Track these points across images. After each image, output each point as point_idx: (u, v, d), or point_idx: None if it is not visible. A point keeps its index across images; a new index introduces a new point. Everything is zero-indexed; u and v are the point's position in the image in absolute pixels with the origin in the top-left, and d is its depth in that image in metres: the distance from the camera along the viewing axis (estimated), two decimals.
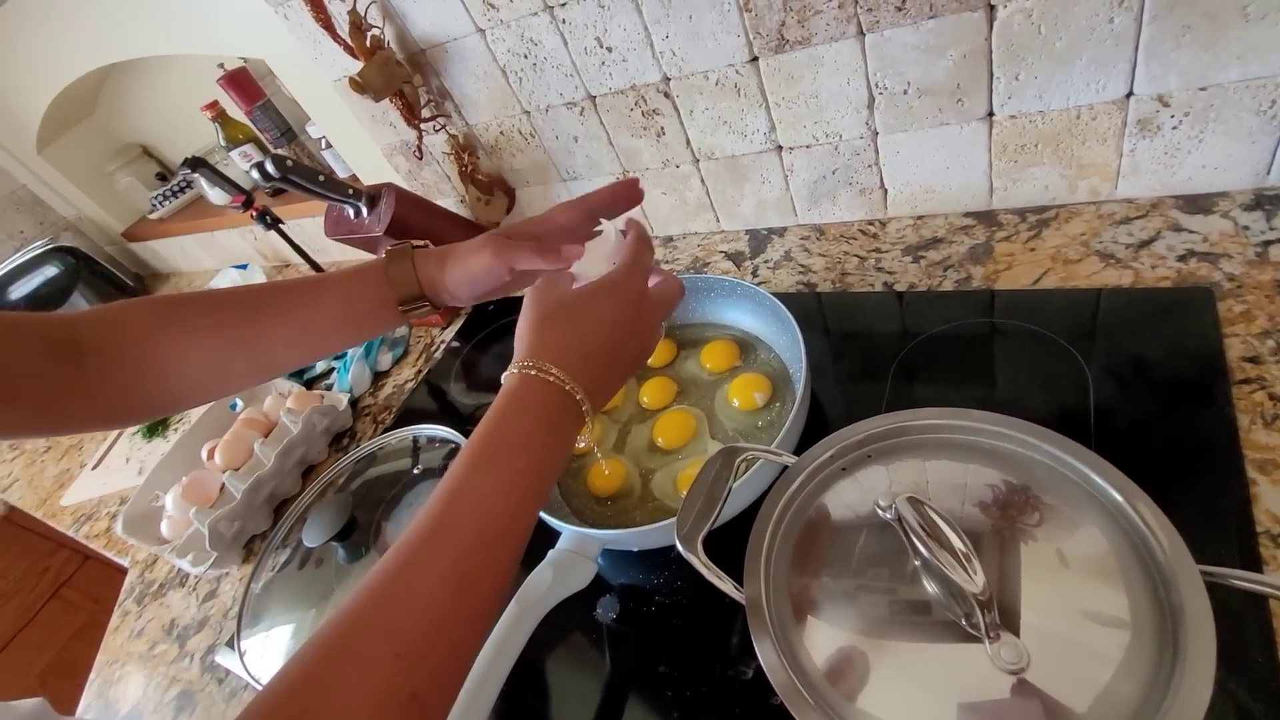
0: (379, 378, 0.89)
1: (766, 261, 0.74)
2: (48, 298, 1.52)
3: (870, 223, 0.71)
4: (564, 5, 0.66)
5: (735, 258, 0.77)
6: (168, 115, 1.40)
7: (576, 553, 0.47)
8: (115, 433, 1.05)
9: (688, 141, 0.73)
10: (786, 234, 0.76)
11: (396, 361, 0.90)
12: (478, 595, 0.30)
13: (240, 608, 0.65)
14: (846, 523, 0.37)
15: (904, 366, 0.57)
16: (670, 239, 0.85)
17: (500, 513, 0.31)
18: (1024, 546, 0.32)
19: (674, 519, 0.46)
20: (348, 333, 0.48)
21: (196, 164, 0.81)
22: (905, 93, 0.59)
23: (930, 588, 0.32)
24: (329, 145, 1.03)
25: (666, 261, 0.82)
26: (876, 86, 0.60)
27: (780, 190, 0.74)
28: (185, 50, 0.99)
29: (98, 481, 0.99)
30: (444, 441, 0.72)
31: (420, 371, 0.87)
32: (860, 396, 0.57)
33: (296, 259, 1.32)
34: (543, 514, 0.51)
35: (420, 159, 0.87)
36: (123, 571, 0.82)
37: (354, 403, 0.86)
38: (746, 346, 0.63)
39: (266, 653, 0.62)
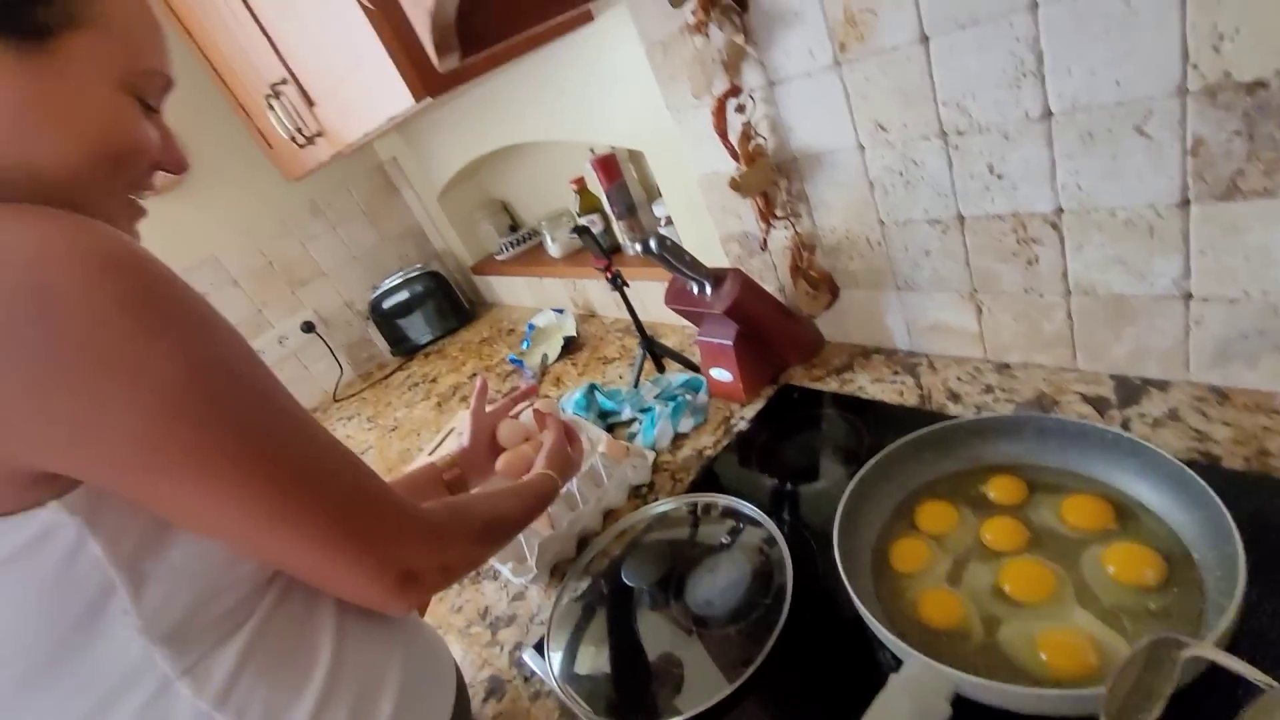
0: (678, 438, 0.96)
1: (1143, 416, 0.66)
2: (405, 306, 1.93)
3: None
4: (962, 134, 0.68)
5: (1096, 403, 0.70)
6: (531, 182, 1.72)
7: (931, 688, 0.45)
8: (449, 428, 1.28)
9: (1064, 274, 0.69)
10: (1171, 389, 0.67)
11: (696, 427, 0.96)
12: (502, 521, 0.57)
13: (549, 619, 0.73)
14: None
15: None
16: (1006, 365, 0.80)
17: (522, 510, 0.61)
18: None
19: (1076, 690, 0.42)
20: None
21: (583, 231, 0.98)
22: None
23: None
24: (669, 223, 1.17)
25: (1002, 389, 0.77)
26: None
27: (1173, 341, 0.66)
28: (579, 139, 1.22)
29: None
30: (737, 514, 0.75)
31: (718, 442, 0.92)
32: None
33: (603, 310, 1.51)
34: (886, 634, 0.50)
35: (764, 250, 0.94)
36: None
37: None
38: (1124, 510, 0.56)
39: (563, 664, 0.68)
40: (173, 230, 1.59)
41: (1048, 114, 0.61)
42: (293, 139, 1.17)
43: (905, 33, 0.66)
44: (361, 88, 0.90)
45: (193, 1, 1.23)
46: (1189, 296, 0.62)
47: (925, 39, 0.65)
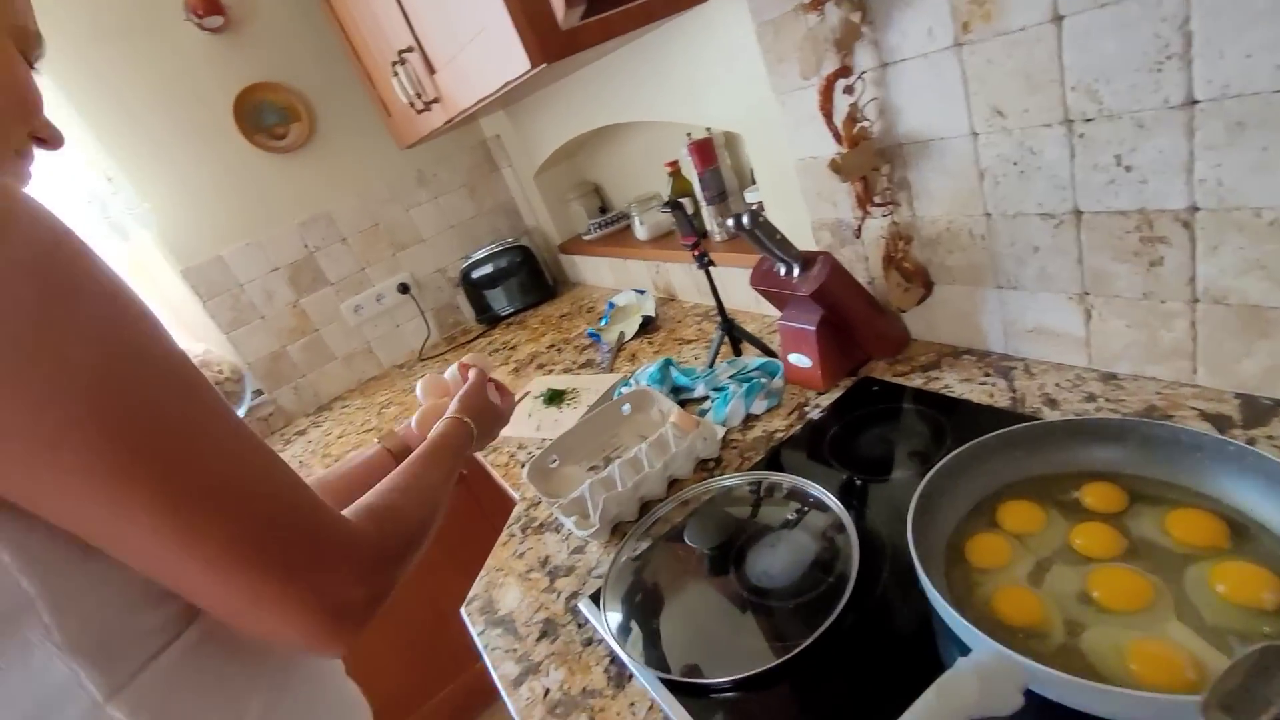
0: (750, 419, 0.95)
1: (1271, 438, 0.60)
2: (493, 278, 2.01)
3: None
4: (1090, 121, 0.64)
5: (1216, 420, 0.64)
6: (624, 165, 1.75)
7: (1004, 674, 0.43)
8: (524, 390, 1.33)
9: (1192, 279, 0.64)
10: None
11: (769, 410, 0.95)
12: (432, 501, 0.56)
13: (607, 574, 0.74)
14: None
15: None
16: (1114, 376, 0.75)
17: (445, 474, 0.60)
18: None
19: (1173, 695, 0.39)
20: None
21: (675, 205, 0.99)
22: None
23: None
24: (761, 209, 1.16)
25: (1106, 399, 0.72)
26: None
27: None
28: (677, 119, 1.24)
29: None
30: (804, 497, 0.74)
31: (790, 427, 0.91)
32: None
33: (683, 295, 1.52)
34: (957, 618, 0.48)
35: (857, 238, 0.93)
36: (493, 499, 1.02)
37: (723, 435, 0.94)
38: (1240, 529, 0.52)
39: (615, 616, 0.69)
40: (297, 185, 1.73)
41: (1191, 101, 0.57)
42: (411, 104, 1.25)
43: (1038, 12, 0.63)
44: (482, 53, 0.95)
45: None
46: None
47: (1059, 18, 0.62)
